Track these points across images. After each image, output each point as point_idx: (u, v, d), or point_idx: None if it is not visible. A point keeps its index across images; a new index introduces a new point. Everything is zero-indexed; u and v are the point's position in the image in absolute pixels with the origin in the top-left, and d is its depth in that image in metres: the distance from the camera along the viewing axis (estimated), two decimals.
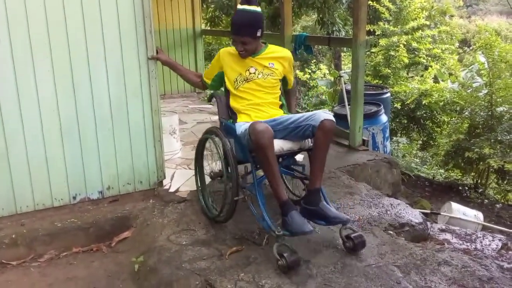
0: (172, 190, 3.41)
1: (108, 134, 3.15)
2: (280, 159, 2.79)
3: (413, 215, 3.17)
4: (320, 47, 11.75)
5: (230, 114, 2.95)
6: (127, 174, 3.27)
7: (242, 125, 2.72)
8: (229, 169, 2.70)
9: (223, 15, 9.22)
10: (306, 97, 8.67)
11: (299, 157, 3.55)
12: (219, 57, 2.95)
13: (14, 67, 2.82)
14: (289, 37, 5.08)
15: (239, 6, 2.84)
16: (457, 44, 9.77)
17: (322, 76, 8.50)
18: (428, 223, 3.37)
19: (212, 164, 3.15)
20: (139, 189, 3.34)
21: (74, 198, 3.15)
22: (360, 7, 3.99)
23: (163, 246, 2.71)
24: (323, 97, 7.89)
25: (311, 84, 8.75)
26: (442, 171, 6.39)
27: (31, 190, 3.01)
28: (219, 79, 3.00)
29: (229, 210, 2.75)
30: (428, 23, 7.66)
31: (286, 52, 3.01)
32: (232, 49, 2.93)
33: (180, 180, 3.60)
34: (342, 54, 11.07)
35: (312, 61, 11.19)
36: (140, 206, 3.20)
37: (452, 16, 11.30)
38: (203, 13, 9.30)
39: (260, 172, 2.72)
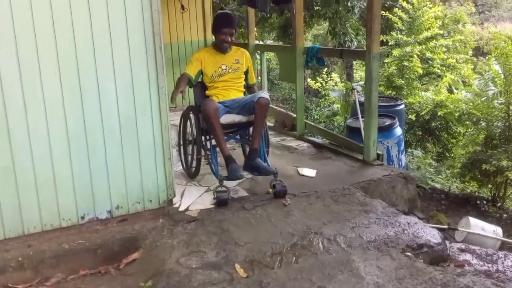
0: (182, 208, 3.33)
1: (117, 150, 3.09)
2: (235, 129, 3.80)
3: (432, 235, 3.05)
4: None
5: (204, 98, 3.73)
6: (136, 192, 3.21)
7: None
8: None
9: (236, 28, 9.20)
10: (318, 108, 8.56)
11: (312, 173, 3.92)
12: (197, 59, 3.76)
13: (21, 82, 2.79)
14: (301, 49, 5.01)
15: (219, 11, 3.96)
16: (470, 52, 9.62)
17: (334, 84, 8.40)
18: (447, 242, 3.25)
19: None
20: (149, 208, 3.27)
21: (83, 218, 3.09)
22: (373, 18, 3.91)
23: (172, 269, 2.62)
24: (335, 107, 7.79)
25: (323, 93, 8.66)
26: (458, 183, 6.23)
27: (38, 210, 2.96)
28: (199, 74, 3.78)
29: (196, 165, 3.81)
30: (441, 32, 7.54)
31: (245, 51, 3.96)
32: (207, 49, 3.95)
33: (191, 197, 3.52)
34: (354, 62, 10.97)
35: (324, 70, 11.14)
36: (150, 226, 3.12)
37: (465, 23, 11.16)
38: None
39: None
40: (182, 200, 3.47)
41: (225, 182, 3.46)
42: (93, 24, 2.88)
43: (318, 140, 5.12)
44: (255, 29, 10.93)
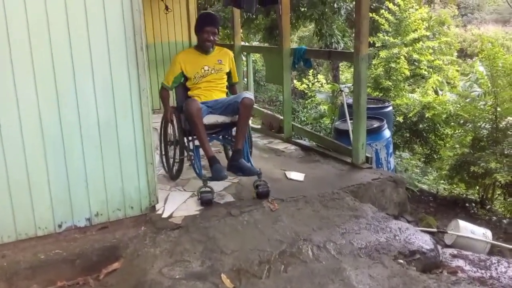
0: (165, 215, 3.19)
1: (96, 154, 2.94)
2: (218, 130, 3.74)
3: (424, 241, 2.96)
4: None
5: (185, 99, 3.63)
6: (117, 199, 3.06)
7: None
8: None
9: (219, 28, 9.07)
10: (305, 110, 8.47)
11: (300, 177, 3.87)
12: (177, 61, 3.69)
13: None
14: (288, 50, 4.90)
15: (202, 11, 3.90)
16: (455, 54, 9.64)
17: (320, 86, 8.32)
18: (439, 247, 3.17)
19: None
20: (130, 215, 3.13)
21: (60, 226, 2.93)
22: (361, 20, 3.82)
23: (155, 280, 2.49)
24: (322, 108, 7.70)
25: (309, 95, 8.57)
26: (445, 185, 6.20)
27: (12, 219, 2.80)
28: (178, 79, 3.73)
29: (179, 167, 3.72)
30: (427, 33, 7.51)
31: (228, 51, 3.91)
32: (188, 51, 3.94)
33: (174, 203, 3.38)
34: (341, 64, 10.91)
35: (310, 71, 11.05)
36: (131, 234, 2.97)
37: (449, 25, 11.20)
38: None
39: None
40: (165, 206, 3.33)
41: (210, 184, 3.39)
42: (70, 22, 2.73)
43: (306, 142, 5.02)
44: (241, 30, 10.87)
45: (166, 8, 6.23)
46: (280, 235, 2.96)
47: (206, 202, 3.29)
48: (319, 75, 8.66)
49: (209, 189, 3.35)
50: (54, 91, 2.76)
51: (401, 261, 2.70)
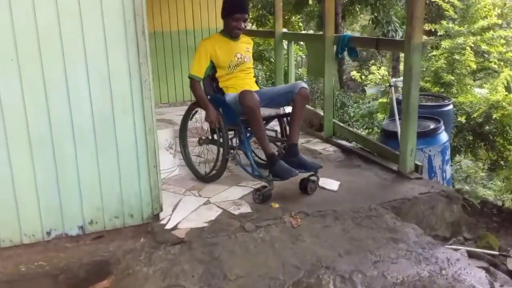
0: (169, 226, 2.79)
1: (91, 155, 2.58)
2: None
3: (477, 279, 2.35)
4: None
5: (215, 91, 3.43)
6: (115, 205, 2.69)
7: (231, 95, 3.31)
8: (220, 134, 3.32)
9: (267, 14, 8.55)
10: (356, 104, 7.80)
11: (334, 186, 3.42)
12: (206, 50, 3.32)
13: None
14: (331, 38, 4.34)
15: None
16: None
17: (380, 78, 7.59)
18: (497, 285, 2.55)
19: (201, 132, 3.61)
20: (129, 224, 2.75)
21: (49, 234, 2.61)
22: (415, 1, 3.19)
23: None
24: (374, 104, 7.03)
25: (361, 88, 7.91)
26: None
27: None
28: (208, 70, 3.37)
29: (221, 167, 3.37)
30: (500, 22, 6.58)
31: (250, 39, 3.64)
32: (214, 38, 3.46)
33: (184, 211, 2.98)
34: (401, 54, 10.04)
35: (371, 62, 10.26)
36: (127, 246, 2.59)
37: None
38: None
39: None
40: (172, 215, 2.94)
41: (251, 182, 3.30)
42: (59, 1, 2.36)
43: (348, 144, 4.44)
44: (293, 16, 10.27)
45: None
46: (299, 259, 2.47)
47: (267, 197, 3.06)
48: (373, 67, 7.92)
49: (271, 187, 3.07)
50: (41, 82, 2.41)
51: None
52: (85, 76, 2.47)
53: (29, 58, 2.37)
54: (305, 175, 3.19)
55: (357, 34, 15.17)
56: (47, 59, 2.39)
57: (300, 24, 10.54)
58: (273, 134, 3.59)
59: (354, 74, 8.36)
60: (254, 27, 9.85)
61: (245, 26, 3.42)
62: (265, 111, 3.29)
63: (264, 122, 3.30)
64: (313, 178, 3.21)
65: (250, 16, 9.39)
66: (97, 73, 2.49)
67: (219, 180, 3.48)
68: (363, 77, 7.91)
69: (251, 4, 8.93)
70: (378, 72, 7.46)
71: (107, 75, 2.51)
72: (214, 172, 3.42)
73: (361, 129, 6.70)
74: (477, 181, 6.26)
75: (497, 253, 3.65)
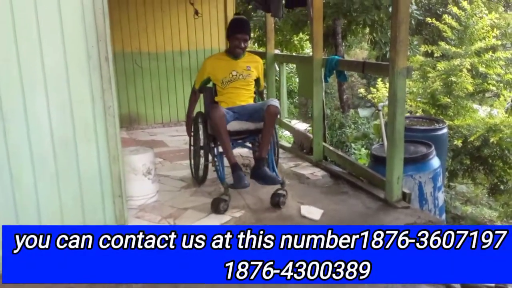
0: None
1: (51, 184, 2.46)
2: (244, 136, 3.69)
3: None
4: None
5: (212, 104, 3.63)
6: None
7: None
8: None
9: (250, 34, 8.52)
10: (354, 125, 7.65)
11: (316, 215, 3.24)
12: (205, 67, 3.71)
13: None
14: (319, 60, 4.23)
15: (235, 16, 3.83)
16: None
17: (382, 97, 7.43)
18: None
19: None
20: None
21: None
22: (398, 24, 3.08)
23: None
24: (365, 127, 6.90)
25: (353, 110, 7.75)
26: None
27: None
28: (205, 82, 3.76)
29: (204, 172, 3.76)
30: (500, 43, 6.44)
31: (258, 59, 3.86)
32: (216, 56, 3.90)
33: None
34: None
35: (379, 80, 10.02)
36: None
37: None
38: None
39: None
40: None
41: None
42: (17, 24, 2.27)
43: (338, 168, 4.29)
44: (294, 36, 10.20)
45: (196, 13, 5.78)
46: None
47: (216, 210, 3.26)
48: (373, 87, 7.78)
49: (226, 198, 3.30)
50: None
51: None
52: (45, 103, 2.37)
53: None
54: (274, 189, 3.40)
55: (364, 55, 15.06)
56: (3, 86, 2.29)
57: (302, 43, 10.47)
58: (249, 146, 3.92)
59: (362, 92, 8.22)
60: (255, 47, 9.83)
61: (246, 46, 3.62)
62: (244, 125, 3.56)
63: (244, 136, 3.68)
64: (280, 192, 3.37)
65: (252, 36, 9.35)
66: (57, 100, 2.39)
67: (198, 207, 3.42)
68: (369, 95, 7.77)
69: (252, 25, 8.91)
70: (385, 88, 7.29)
71: (68, 102, 2.41)
72: (200, 172, 3.81)
73: (359, 151, 6.56)
74: (483, 202, 6.06)
75: (493, 285, 3.46)
